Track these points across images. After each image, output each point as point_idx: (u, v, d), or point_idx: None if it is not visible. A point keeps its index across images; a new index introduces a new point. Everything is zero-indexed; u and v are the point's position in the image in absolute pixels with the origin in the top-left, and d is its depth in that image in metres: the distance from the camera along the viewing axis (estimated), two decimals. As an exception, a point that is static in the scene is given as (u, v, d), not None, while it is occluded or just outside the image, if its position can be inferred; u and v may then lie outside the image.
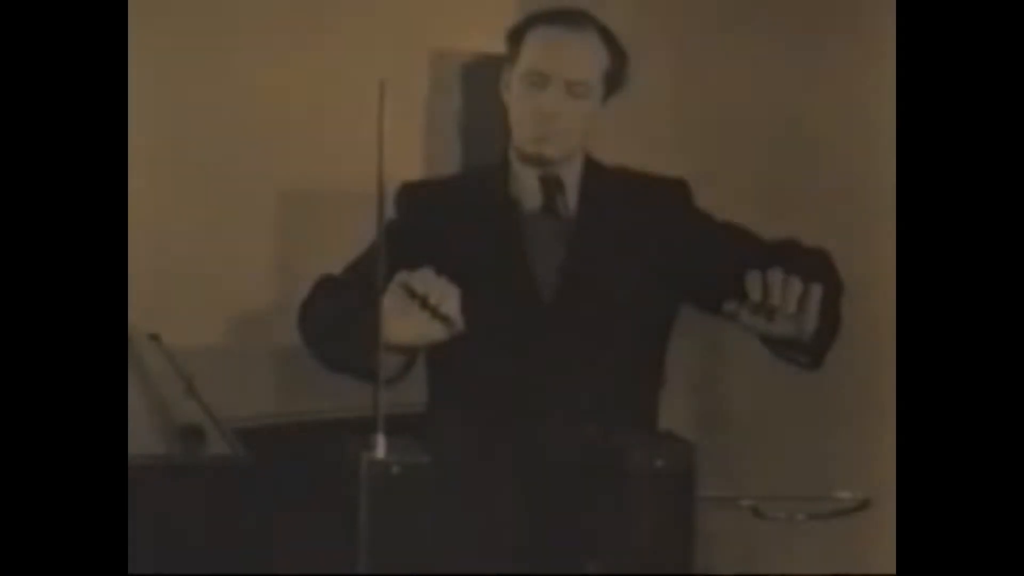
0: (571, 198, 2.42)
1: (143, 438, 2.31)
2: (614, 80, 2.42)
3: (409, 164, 3.24)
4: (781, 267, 2.16)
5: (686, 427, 2.12)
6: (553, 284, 2.38)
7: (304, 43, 3.49)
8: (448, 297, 2.11)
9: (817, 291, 2.16)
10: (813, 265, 2.31)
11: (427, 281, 2.11)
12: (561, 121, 2.36)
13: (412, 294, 2.09)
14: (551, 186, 2.39)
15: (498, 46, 2.48)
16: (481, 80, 3.46)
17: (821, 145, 3.51)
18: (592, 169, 2.46)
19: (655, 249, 2.41)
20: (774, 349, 2.29)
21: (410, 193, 2.47)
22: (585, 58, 2.39)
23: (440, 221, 2.42)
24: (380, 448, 1.82)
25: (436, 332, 2.13)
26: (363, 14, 3.53)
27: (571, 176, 2.43)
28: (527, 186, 2.42)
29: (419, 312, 2.10)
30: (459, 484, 2.22)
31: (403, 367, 2.22)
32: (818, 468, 3.23)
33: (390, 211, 2.42)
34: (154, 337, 3.26)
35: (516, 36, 2.42)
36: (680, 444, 1.97)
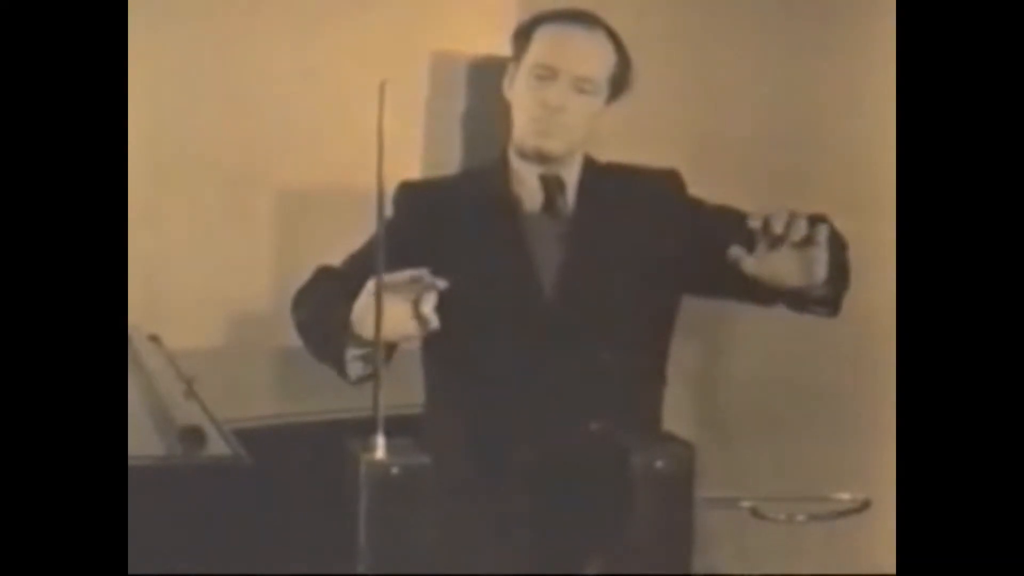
0: (570, 197, 2.42)
1: (143, 438, 2.31)
2: (619, 83, 2.43)
3: (409, 164, 3.23)
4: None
5: (686, 428, 2.12)
6: (554, 283, 2.38)
7: (304, 43, 3.49)
8: (426, 298, 2.11)
9: (824, 229, 2.15)
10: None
11: (407, 281, 2.11)
12: (566, 115, 2.37)
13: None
14: (552, 186, 2.39)
15: (499, 47, 2.48)
16: (482, 81, 3.46)
17: (822, 145, 3.51)
18: (588, 166, 2.46)
19: (653, 241, 2.41)
20: (788, 302, 2.29)
21: (408, 192, 2.47)
22: (595, 56, 2.40)
23: (439, 220, 2.42)
24: (380, 449, 1.82)
25: (411, 329, 2.14)
26: (363, 14, 3.52)
27: (571, 175, 2.43)
28: (527, 185, 2.42)
29: (395, 309, 2.10)
30: (459, 485, 2.22)
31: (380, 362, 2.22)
32: (818, 469, 3.22)
33: (388, 210, 2.41)
34: (154, 338, 3.26)
35: (524, 33, 2.43)
36: (680, 445, 1.97)
